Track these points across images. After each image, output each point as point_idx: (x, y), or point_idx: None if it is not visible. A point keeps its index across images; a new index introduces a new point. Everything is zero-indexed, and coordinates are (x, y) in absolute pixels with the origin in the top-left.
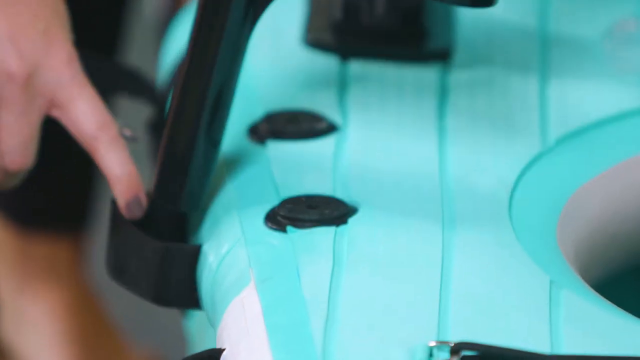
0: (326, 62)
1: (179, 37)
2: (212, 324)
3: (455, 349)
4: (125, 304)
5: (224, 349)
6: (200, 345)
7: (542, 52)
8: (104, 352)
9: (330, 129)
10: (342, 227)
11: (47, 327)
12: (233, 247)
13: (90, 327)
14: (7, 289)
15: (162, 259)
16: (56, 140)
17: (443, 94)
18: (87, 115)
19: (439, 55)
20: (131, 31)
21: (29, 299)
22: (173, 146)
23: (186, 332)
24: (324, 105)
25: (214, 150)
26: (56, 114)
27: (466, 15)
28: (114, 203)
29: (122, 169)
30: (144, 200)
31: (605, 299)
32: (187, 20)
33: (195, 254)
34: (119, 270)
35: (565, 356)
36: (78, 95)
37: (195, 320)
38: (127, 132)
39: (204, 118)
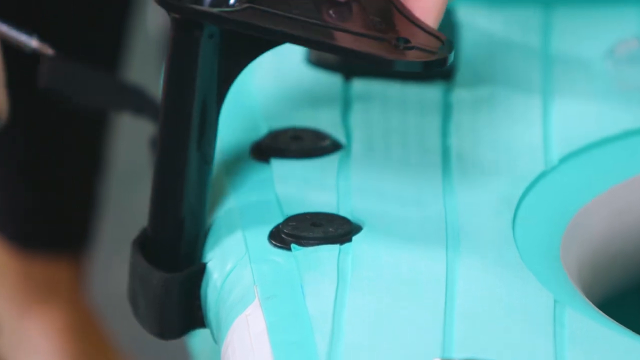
0: (329, 81)
1: None
2: (217, 341)
3: None
4: (126, 325)
5: None
6: None
7: (544, 71)
8: None
9: (334, 147)
10: (346, 245)
11: (47, 348)
12: (237, 264)
13: (91, 348)
14: (7, 310)
15: (164, 290)
16: (56, 162)
17: (446, 113)
18: None
19: (442, 74)
20: (134, 48)
21: (29, 320)
22: (165, 175)
23: (190, 349)
24: (328, 124)
25: (205, 176)
26: None
27: (468, 33)
28: (134, 243)
29: None
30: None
31: (609, 318)
32: None
33: (199, 272)
34: (134, 305)
35: None
36: None
37: (199, 337)
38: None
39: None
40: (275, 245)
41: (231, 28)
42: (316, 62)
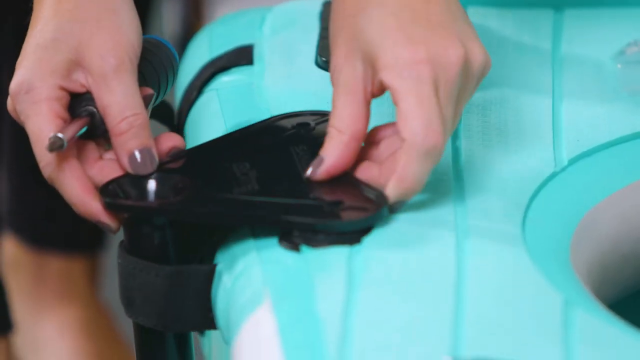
0: None
1: (197, 56)
2: (227, 342)
3: None
4: None
5: None
6: None
7: (554, 73)
8: None
9: None
10: (356, 247)
11: (62, 347)
12: (248, 266)
13: (105, 345)
14: (23, 308)
15: (172, 284)
16: None
17: None
18: None
19: None
20: None
21: (44, 318)
22: None
23: (202, 349)
24: None
25: None
26: None
27: (479, 35)
28: (121, 245)
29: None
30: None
31: (619, 318)
32: (205, 39)
33: (210, 273)
34: (128, 302)
35: None
36: None
37: (210, 338)
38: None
39: None
40: (285, 247)
41: (170, 218)
42: (325, 66)
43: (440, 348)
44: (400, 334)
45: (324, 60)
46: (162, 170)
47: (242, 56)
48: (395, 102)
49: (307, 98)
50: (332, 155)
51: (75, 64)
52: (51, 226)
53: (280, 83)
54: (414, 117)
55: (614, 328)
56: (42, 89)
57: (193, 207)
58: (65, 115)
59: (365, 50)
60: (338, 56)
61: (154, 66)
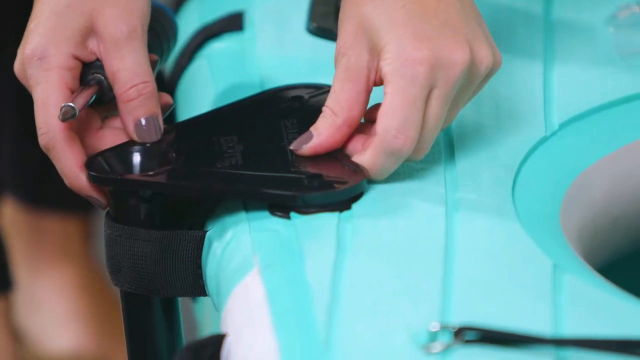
0: (329, 49)
1: (188, 23)
2: (217, 308)
3: (458, 332)
4: None
5: (227, 334)
6: (209, 327)
7: (546, 37)
8: (115, 330)
9: None
10: (345, 213)
11: (59, 304)
12: (237, 233)
13: (101, 304)
14: (21, 268)
15: (162, 248)
16: None
17: None
18: None
19: None
20: None
21: (42, 277)
22: None
23: (195, 313)
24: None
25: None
26: None
27: None
28: (107, 215)
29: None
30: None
31: (608, 282)
32: (196, 6)
33: (199, 239)
34: (116, 270)
35: (567, 339)
36: None
37: (203, 304)
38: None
39: None
40: (275, 214)
41: (153, 191)
42: (316, 32)
43: (429, 313)
44: (389, 299)
45: (315, 27)
46: (149, 144)
47: (233, 22)
48: (384, 93)
49: (297, 64)
50: (322, 134)
51: (89, 30)
52: (48, 187)
53: (271, 49)
54: (391, 115)
55: (603, 291)
56: (56, 57)
57: (175, 181)
58: (75, 85)
59: (372, 40)
60: (345, 40)
61: (157, 33)
